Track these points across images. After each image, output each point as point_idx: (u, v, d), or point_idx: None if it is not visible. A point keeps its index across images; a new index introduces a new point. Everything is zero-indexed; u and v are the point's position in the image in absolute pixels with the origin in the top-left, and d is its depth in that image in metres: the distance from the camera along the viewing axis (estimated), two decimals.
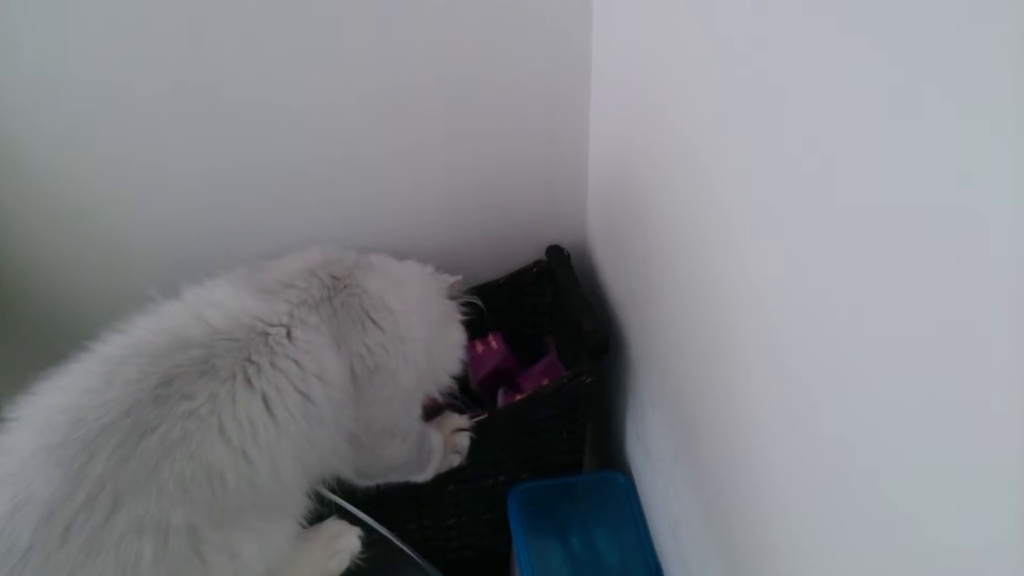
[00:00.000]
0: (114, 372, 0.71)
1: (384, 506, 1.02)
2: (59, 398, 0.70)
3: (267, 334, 0.77)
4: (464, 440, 1.06)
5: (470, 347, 1.30)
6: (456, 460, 1.06)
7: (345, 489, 0.95)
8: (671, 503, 1.02)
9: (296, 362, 0.77)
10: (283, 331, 0.78)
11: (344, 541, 0.85)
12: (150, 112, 1.02)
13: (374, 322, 0.86)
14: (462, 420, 1.08)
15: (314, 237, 1.14)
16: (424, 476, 1.03)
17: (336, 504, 0.90)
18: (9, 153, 1.02)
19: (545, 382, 1.25)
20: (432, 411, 1.08)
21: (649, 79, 0.91)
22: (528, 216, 1.27)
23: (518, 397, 1.21)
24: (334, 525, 0.86)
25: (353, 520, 0.91)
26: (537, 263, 1.29)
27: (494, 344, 1.29)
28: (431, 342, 0.93)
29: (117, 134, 1.03)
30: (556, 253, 1.26)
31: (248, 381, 0.74)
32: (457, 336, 1.01)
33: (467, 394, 1.29)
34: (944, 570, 0.49)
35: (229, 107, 1.05)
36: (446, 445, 1.05)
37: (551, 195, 1.25)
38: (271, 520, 0.75)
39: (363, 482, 0.95)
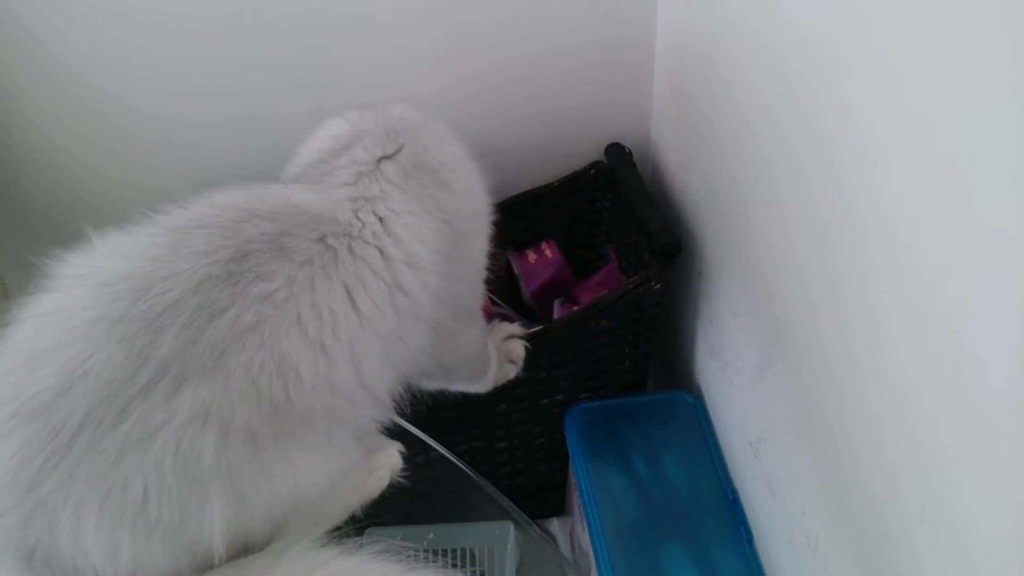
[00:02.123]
0: (181, 242, 0.63)
1: (432, 428, 0.93)
2: (120, 263, 0.62)
3: (336, 219, 0.68)
4: (519, 348, 0.96)
5: (521, 257, 1.19)
6: (512, 371, 0.96)
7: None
8: (753, 420, 0.91)
9: (379, 248, 0.68)
10: (355, 211, 0.69)
11: (384, 457, 0.75)
12: None
13: (447, 182, 0.76)
14: (514, 327, 0.98)
15: None
16: (484, 385, 0.94)
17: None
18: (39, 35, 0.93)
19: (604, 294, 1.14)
20: None
21: None
22: (585, 112, 1.14)
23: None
24: (374, 440, 0.77)
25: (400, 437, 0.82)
26: (595, 164, 1.17)
27: (548, 253, 1.17)
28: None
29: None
30: (617, 152, 1.14)
31: (325, 269, 0.65)
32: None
33: (518, 309, 1.18)
34: None
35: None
36: (500, 354, 0.95)
37: (611, 86, 1.12)
38: (339, 441, 0.67)
39: (429, 384, 0.87)
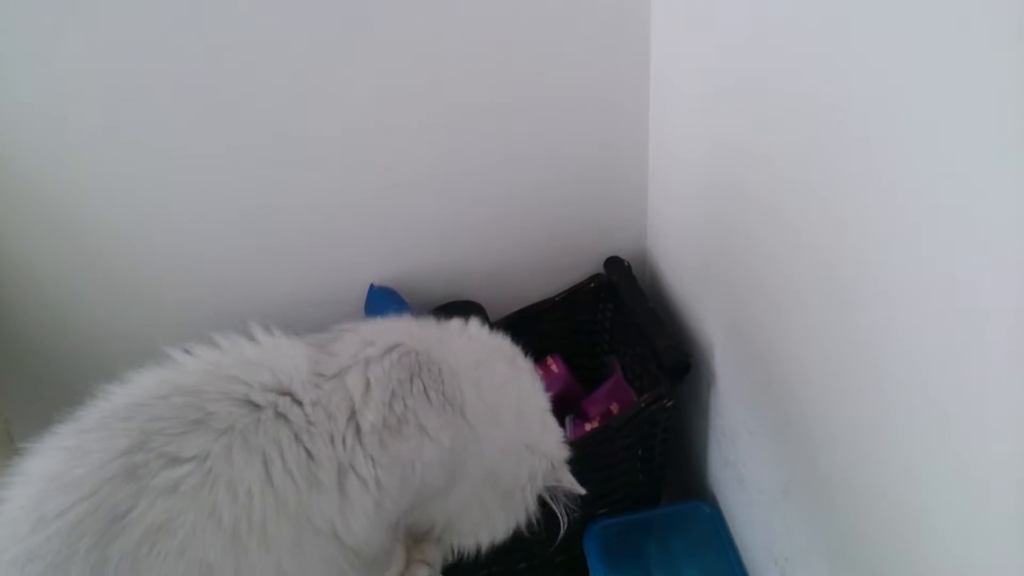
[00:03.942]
0: (81, 446, 0.57)
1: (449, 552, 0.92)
2: (24, 490, 0.57)
3: (276, 374, 0.65)
4: (436, 551, 0.86)
5: None
6: (424, 575, 0.86)
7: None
8: (778, 538, 0.91)
9: (303, 411, 0.64)
10: (296, 372, 0.66)
11: None
12: (178, 150, 0.95)
13: (448, 401, 0.73)
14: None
15: (362, 263, 1.06)
16: None
17: None
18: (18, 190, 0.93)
19: (613, 406, 1.14)
20: None
21: (724, 60, 0.81)
22: (583, 227, 1.17)
23: (588, 426, 1.10)
24: None
25: None
26: (595, 277, 1.19)
27: (554, 368, 1.18)
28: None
29: (135, 168, 0.95)
30: (616, 265, 1.16)
31: (244, 435, 0.60)
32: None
33: None
34: None
35: (281, 136, 0.97)
36: (412, 553, 0.85)
37: (607, 203, 1.16)
38: None
39: None
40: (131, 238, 1.00)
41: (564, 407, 1.16)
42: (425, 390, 0.71)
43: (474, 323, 0.83)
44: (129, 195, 0.96)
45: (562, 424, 1.15)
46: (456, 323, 0.82)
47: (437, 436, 0.71)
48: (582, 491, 0.85)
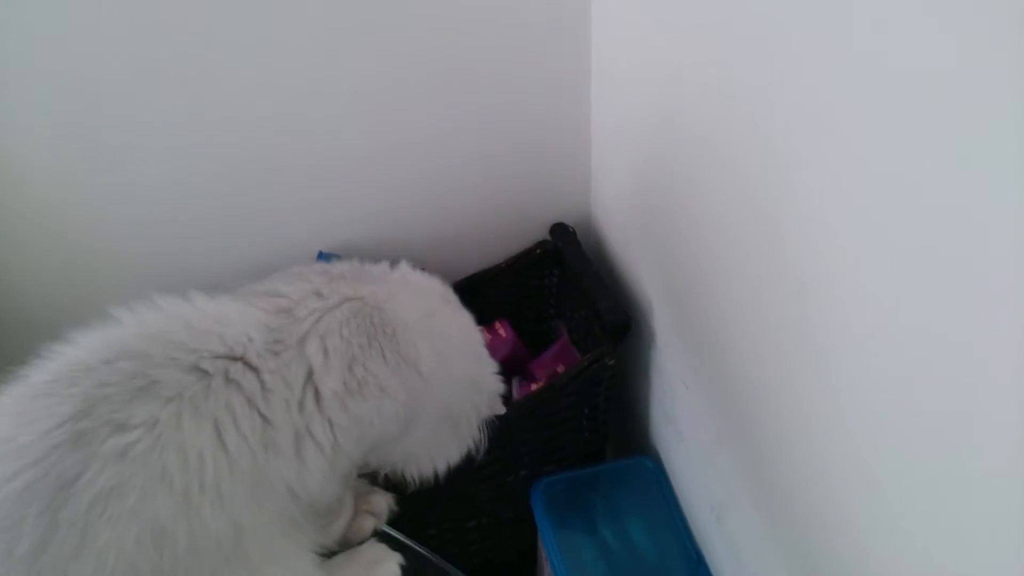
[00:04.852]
0: (25, 412, 0.58)
1: (400, 513, 0.95)
2: None
3: (227, 341, 0.65)
4: (382, 502, 0.89)
5: None
6: (369, 525, 0.88)
7: None
8: (713, 487, 0.95)
9: (259, 378, 0.65)
10: (250, 341, 0.66)
11: (384, 569, 0.77)
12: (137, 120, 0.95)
13: (403, 359, 0.74)
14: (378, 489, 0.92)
15: (310, 231, 1.07)
16: (325, 536, 0.82)
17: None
18: None
19: (559, 368, 1.18)
20: None
21: (660, 28, 0.84)
22: (528, 195, 1.20)
23: (534, 386, 1.14)
24: (373, 550, 0.78)
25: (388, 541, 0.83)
26: (541, 244, 1.21)
27: (502, 332, 1.21)
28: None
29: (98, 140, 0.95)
30: (561, 231, 1.19)
31: (194, 402, 0.61)
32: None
33: None
34: None
35: (225, 102, 0.97)
36: (359, 504, 0.88)
37: (551, 170, 1.18)
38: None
39: None
40: (75, 206, 1.00)
41: (512, 369, 1.20)
42: (383, 352, 0.73)
43: (404, 266, 0.84)
44: (73, 162, 0.97)
45: (509, 385, 1.19)
46: (383, 268, 0.83)
47: (395, 394, 0.73)
48: (503, 410, 0.91)
